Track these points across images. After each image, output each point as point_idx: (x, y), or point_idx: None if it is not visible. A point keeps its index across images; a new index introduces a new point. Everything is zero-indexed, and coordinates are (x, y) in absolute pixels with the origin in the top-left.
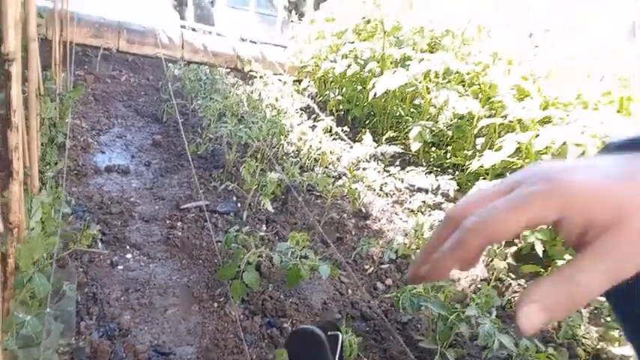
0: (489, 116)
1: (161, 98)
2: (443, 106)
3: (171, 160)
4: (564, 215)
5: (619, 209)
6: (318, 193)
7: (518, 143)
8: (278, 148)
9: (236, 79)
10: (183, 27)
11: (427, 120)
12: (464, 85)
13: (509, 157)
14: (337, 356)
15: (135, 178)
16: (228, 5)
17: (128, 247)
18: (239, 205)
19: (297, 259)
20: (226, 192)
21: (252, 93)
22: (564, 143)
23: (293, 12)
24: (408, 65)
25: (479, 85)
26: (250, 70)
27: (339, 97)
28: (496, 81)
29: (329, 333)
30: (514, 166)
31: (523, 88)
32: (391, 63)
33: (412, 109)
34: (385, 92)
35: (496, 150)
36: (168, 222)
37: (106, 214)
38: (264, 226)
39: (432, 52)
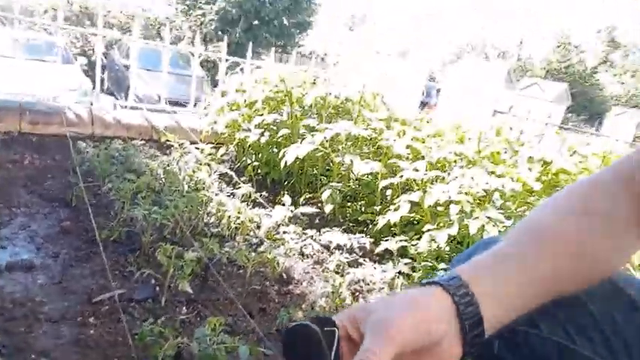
0: (391, 175)
1: (70, 181)
2: (350, 167)
3: (82, 249)
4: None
5: (428, 335)
6: (239, 264)
7: (410, 202)
8: (196, 223)
9: (152, 150)
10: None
11: (339, 179)
12: (367, 147)
13: (407, 213)
14: (333, 352)
15: (41, 273)
16: (142, 67)
17: (34, 357)
18: (157, 289)
19: (215, 345)
20: (143, 277)
21: (168, 165)
22: (447, 200)
23: (211, 73)
24: (316, 132)
25: (379, 147)
26: (166, 140)
27: (257, 163)
28: (391, 143)
29: (325, 329)
30: (415, 219)
31: (415, 148)
32: (300, 130)
33: (326, 169)
34: (297, 157)
35: (395, 209)
36: (79, 319)
37: (7, 320)
38: (184, 308)
39: (337, 118)
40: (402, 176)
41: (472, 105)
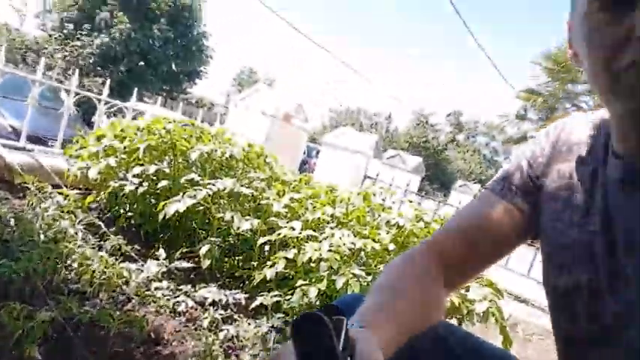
0: (269, 232)
1: None
2: (230, 223)
3: None
4: None
5: None
6: (102, 325)
7: (286, 259)
8: (53, 278)
9: (2, 192)
10: None
11: (218, 234)
12: (248, 204)
13: (283, 269)
14: (342, 340)
15: None
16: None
17: None
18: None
19: None
20: None
21: (22, 211)
22: (318, 258)
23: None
24: (199, 187)
25: (260, 204)
26: (24, 182)
27: (131, 213)
28: (271, 202)
29: (333, 317)
30: (290, 275)
31: (293, 208)
32: (182, 184)
33: (206, 223)
34: (177, 210)
35: (271, 266)
36: None
37: None
38: None
39: (220, 174)
40: (279, 234)
41: (346, 168)
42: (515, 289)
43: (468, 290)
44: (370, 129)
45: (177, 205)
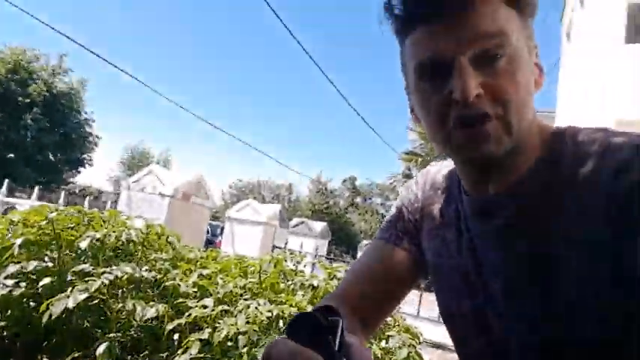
0: (178, 316)
1: None
2: (132, 313)
3: None
4: None
5: None
6: None
7: (200, 340)
8: None
9: None
10: None
11: (118, 329)
12: (152, 289)
13: (197, 353)
14: (337, 341)
15: None
16: None
17: None
18: None
19: None
20: None
21: None
22: (236, 333)
23: None
24: (91, 278)
25: (165, 288)
26: None
27: (4, 322)
28: (177, 282)
29: (330, 318)
30: (206, 358)
31: (202, 285)
32: (70, 277)
33: (101, 319)
34: (66, 308)
35: (183, 352)
36: None
37: None
38: None
39: (117, 261)
40: (190, 315)
41: (254, 240)
42: (432, 337)
43: (387, 341)
44: (272, 201)
45: (65, 303)
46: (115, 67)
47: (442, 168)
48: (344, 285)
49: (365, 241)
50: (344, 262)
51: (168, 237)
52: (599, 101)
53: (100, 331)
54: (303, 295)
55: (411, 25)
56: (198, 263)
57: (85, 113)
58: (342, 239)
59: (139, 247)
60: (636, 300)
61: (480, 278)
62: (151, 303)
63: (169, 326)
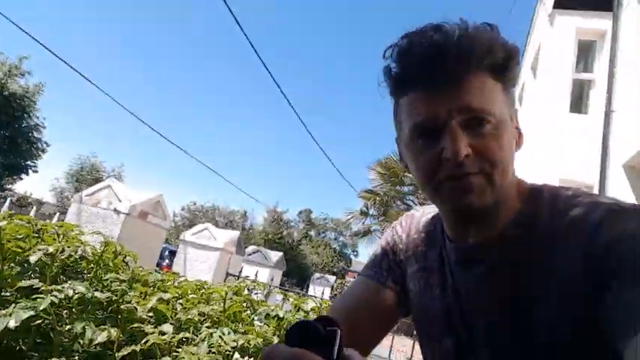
0: (131, 341)
1: None
2: (79, 336)
3: None
4: None
5: None
6: None
7: None
8: None
9: None
10: None
11: (61, 353)
12: (104, 312)
13: None
14: (335, 351)
15: None
16: None
17: None
18: None
19: None
20: None
21: None
22: None
23: None
24: (40, 295)
25: (119, 310)
26: None
27: None
28: (133, 306)
29: (327, 328)
30: None
31: (160, 310)
32: (14, 294)
33: (41, 341)
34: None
35: None
36: None
37: None
38: None
39: (66, 278)
40: (146, 341)
41: (208, 266)
42: None
43: None
44: (226, 227)
45: (5, 322)
46: (73, 69)
47: (426, 213)
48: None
49: (317, 274)
50: (298, 294)
51: (125, 256)
52: (544, 160)
53: (37, 354)
54: (268, 326)
55: (406, 88)
56: (157, 287)
57: (37, 118)
58: (293, 271)
59: (92, 266)
60: (604, 349)
61: (463, 320)
62: (102, 327)
63: (122, 353)
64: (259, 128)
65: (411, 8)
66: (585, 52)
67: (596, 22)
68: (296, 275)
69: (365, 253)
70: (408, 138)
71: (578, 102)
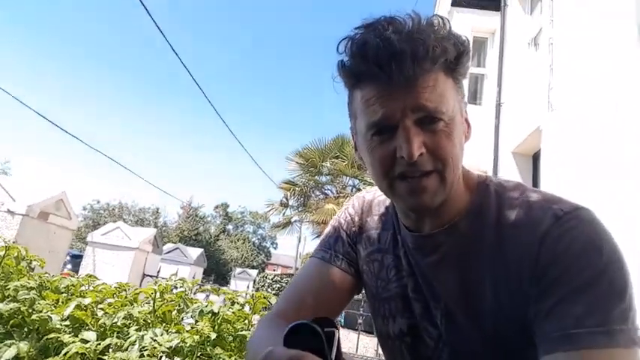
0: (46, 354)
1: None
2: None
3: None
4: None
5: None
6: None
7: None
8: None
9: None
10: None
11: None
12: (5, 326)
13: None
14: (334, 351)
15: None
16: None
17: None
18: None
19: None
20: None
21: None
22: None
23: None
24: None
25: (32, 321)
26: None
27: None
28: (47, 315)
29: (325, 329)
30: None
31: (79, 317)
32: None
33: None
34: None
35: None
36: None
37: None
38: None
39: None
40: (66, 353)
41: (122, 268)
42: None
43: None
44: (136, 225)
45: None
46: None
47: (377, 195)
48: (283, 301)
49: (239, 269)
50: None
51: (31, 261)
52: None
53: None
54: (203, 322)
55: (361, 83)
56: (71, 292)
57: None
58: (211, 267)
59: None
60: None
61: (417, 302)
62: (9, 342)
63: None
64: (167, 118)
65: None
66: (479, 49)
67: (487, 21)
68: (214, 272)
69: (285, 244)
70: (364, 134)
71: (474, 94)
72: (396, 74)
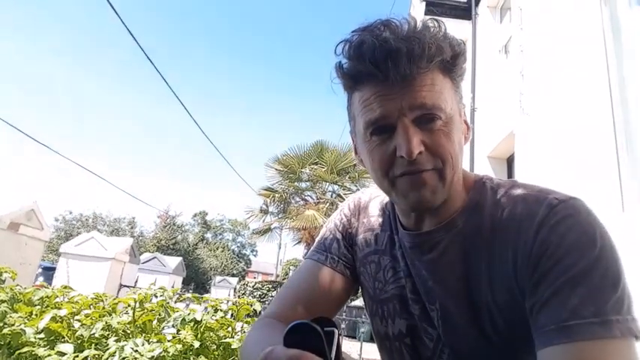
0: None
1: None
2: None
3: None
4: None
5: None
6: None
7: None
8: None
9: None
10: None
11: None
12: None
13: None
14: (333, 351)
15: None
16: None
17: None
18: None
19: None
20: None
21: None
22: None
23: None
24: None
25: (4, 335)
26: None
27: None
28: (20, 328)
29: (325, 329)
30: None
31: (54, 330)
32: None
33: None
34: None
35: None
36: None
37: None
38: None
39: None
40: None
41: (97, 279)
42: None
43: None
44: (111, 235)
45: None
46: None
47: (373, 197)
48: (278, 303)
49: (219, 277)
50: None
51: (1, 273)
52: None
53: None
54: (185, 331)
55: (359, 85)
56: (45, 305)
57: None
58: (190, 276)
59: None
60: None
61: (415, 303)
62: None
63: None
64: (145, 127)
65: None
66: None
67: (459, 29)
68: (193, 281)
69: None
70: (363, 134)
71: None
72: (393, 73)
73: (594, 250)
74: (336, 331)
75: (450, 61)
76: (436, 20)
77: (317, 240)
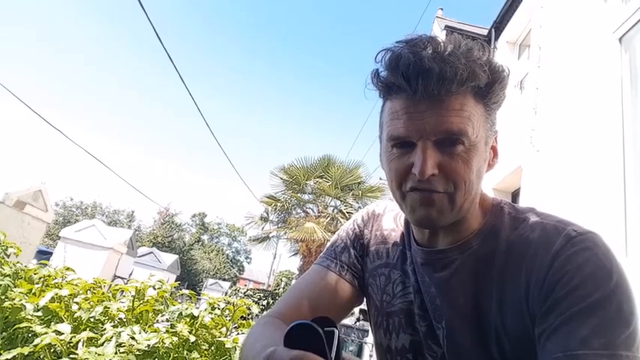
0: (13, 346)
1: None
2: None
3: None
4: None
5: None
6: None
7: None
8: None
9: None
10: None
11: None
12: None
13: None
14: (334, 351)
15: None
16: None
17: None
18: None
19: None
20: None
21: None
22: None
23: None
24: None
25: (3, 307)
26: None
27: None
28: (21, 303)
29: (325, 329)
30: None
31: (52, 309)
32: None
33: None
34: None
35: None
36: None
37: None
38: None
39: None
40: (37, 345)
41: (93, 267)
42: None
43: None
44: (109, 226)
45: None
46: None
47: (387, 210)
48: (283, 303)
49: (211, 280)
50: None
51: (7, 248)
52: None
53: None
54: (183, 324)
55: (390, 95)
56: (46, 284)
57: None
58: (182, 276)
59: None
60: None
61: (421, 319)
62: None
63: (2, 357)
64: (157, 124)
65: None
66: None
67: None
68: (185, 281)
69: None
70: (386, 144)
71: None
72: (422, 91)
73: (610, 283)
74: (336, 331)
75: (485, 87)
76: (482, 44)
77: (327, 246)
